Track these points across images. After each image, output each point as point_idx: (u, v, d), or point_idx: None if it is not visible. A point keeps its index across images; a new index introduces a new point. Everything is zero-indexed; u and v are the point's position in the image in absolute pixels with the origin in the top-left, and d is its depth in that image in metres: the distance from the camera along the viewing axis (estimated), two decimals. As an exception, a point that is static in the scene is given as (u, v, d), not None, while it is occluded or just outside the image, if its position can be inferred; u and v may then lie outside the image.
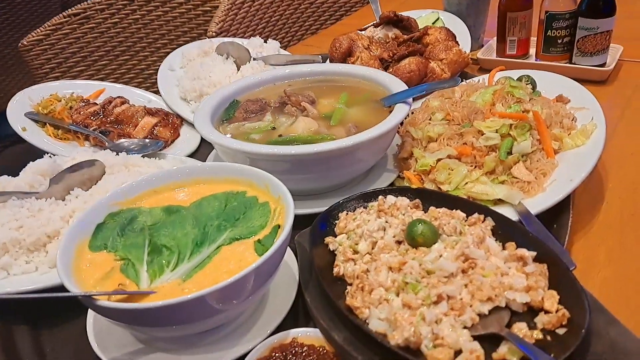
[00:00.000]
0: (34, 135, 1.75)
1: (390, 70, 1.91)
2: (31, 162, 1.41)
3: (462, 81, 1.42)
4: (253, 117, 1.57)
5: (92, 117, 1.85)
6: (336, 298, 1.01)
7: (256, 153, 1.30)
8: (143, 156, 1.59)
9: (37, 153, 1.68)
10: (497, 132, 1.37)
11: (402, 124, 1.55)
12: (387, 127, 1.34)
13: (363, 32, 2.22)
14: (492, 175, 1.33)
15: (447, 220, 1.10)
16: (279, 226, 1.09)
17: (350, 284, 1.05)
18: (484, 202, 1.29)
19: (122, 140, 1.75)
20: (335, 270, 1.08)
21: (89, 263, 1.05)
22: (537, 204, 1.23)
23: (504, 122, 1.38)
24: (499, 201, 1.29)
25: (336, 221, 1.24)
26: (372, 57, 2.01)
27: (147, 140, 1.74)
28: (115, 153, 1.54)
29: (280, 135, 1.45)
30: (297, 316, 1.13)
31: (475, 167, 1.35)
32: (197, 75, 2.00)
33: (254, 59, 2.08)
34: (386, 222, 1.13)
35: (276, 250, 0.98)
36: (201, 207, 1.18)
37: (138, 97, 2.07)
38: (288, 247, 1.23)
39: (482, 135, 1.39)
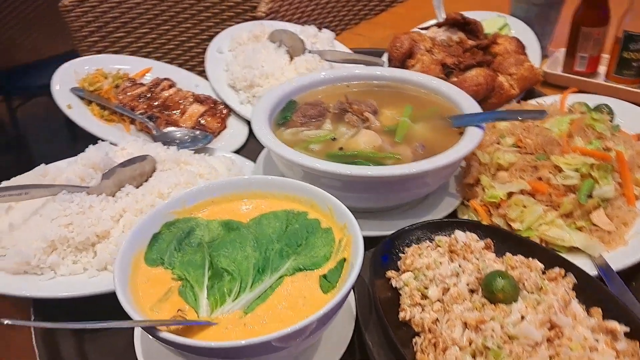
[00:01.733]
0: (80, 114, 1.68)
1: (455, 79, 1.80)
2: (82, 153, 1.34)
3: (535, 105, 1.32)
4: (311, 123, 1.48)
5: (138, 99, 1.78)
6: (402, 347, 0.95)
7: (320, 170, 1.22)
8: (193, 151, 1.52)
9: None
10: (577, 171, 1.28)
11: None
12: (460, 154, 1.25)
13: (425, 31, 2.11)
14: (569, 219, 1.24)
15: (526, 274, 1.02)
16: (344, 260, 1.02)
17: (418, 333, 0.98)
18: (558, 247, 1.21)
19: (170, 129, 1.67)
20: (402, 315, 1.01)
21: (147, 280, 0.99)
22: (618, 258, 1.15)
23: (585, 160, 1.29)
24: (574, 249, 1.20)
25: (400, 253, 1.17)
26: (434, 62, 1.90)
27: (196, 132, 1.67)
28: (165, 146, 1.47)
29: (341, 149, 1.37)
30: (353, 354, 1.07)
31: (550, 207, 1.26)
32: (249, 63, 1.91)
33: (309, 51, 1.98)
34: (459, 266, 1.06)
35: (346, 293, 0.91)
36: (261, 225, 1.11)
37: (185, 79, 1.98)
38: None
39: (560, 172, 1.29)
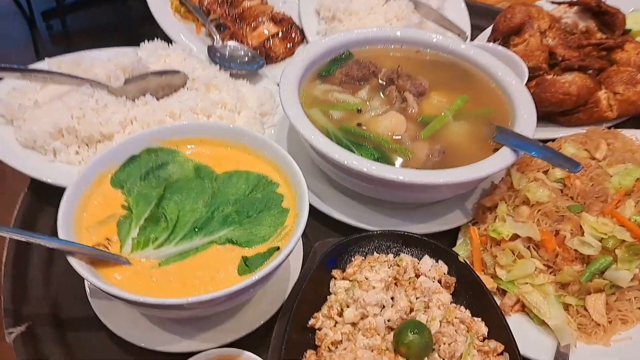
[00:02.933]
0: (159, 3, 1.72)
1: (549, 77, 1.54)
2: (117, 51, 1.39)
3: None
4: (350, 84, 1.38)
5: (219, 2, 1.77)
6: (291, 353, 0.93)
7: (308, 142, 1.15)
8: (232, 75, 1.51)
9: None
10: (600, 241, 1.07)
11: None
12: (470, 177, 1.11)
13: (552, 6, 1.78)
14: (561, 289, 1.07)
15: (452, 336, 0.92)
16: (277, 248, 0.99)
17: (316, 346, 0.96)
18: (532, 315, 1.07)
19: (230, 43, 1.66)
20: (312, 321, 0.99)
21: (102, 198, 1.05)
22: (586, 357, 0.99)
23: (618, 232, 1.07)
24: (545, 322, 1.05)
25: (355, 255, 1.11)
26: (542, 47, 1.62)
27: (249, 53, 1.63)
28: (209, 63, 1.47)
29: (359, 124, 1.27)
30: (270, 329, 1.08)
31: (549, 269, 1.10)
32: (342, -8, 1.78)
33: (408, -4, 1.78)
34: (392, 298, 0.98)
35: (256, 281, 0.90)
36: (229, 182, 1.10)
37: (277, -9, 1.91)
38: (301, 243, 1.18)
39: (582, 234, 1.09)
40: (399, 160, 1.20)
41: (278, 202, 1.08)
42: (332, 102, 1.33)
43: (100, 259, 0.94)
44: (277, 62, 1.75)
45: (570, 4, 1.73)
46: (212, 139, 1.17)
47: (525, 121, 1.24)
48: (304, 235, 1.29)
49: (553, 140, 1.44)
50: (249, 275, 0.93)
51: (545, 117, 1.56)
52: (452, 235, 1.28)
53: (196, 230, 1.02)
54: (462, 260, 1.09)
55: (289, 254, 0.94)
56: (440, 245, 1.12)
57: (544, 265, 1.10)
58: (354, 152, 1.18)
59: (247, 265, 0.97)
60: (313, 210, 1.30)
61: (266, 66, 1.71)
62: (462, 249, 1.21)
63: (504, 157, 1.15)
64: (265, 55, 1.71)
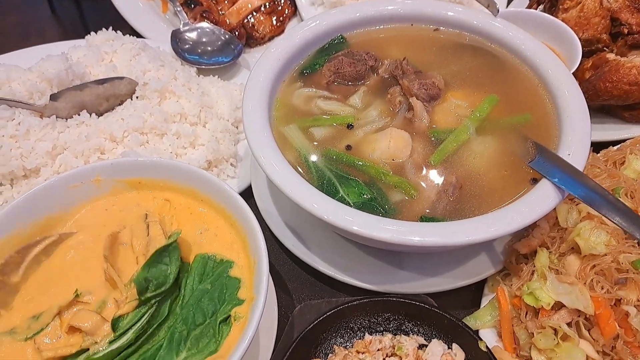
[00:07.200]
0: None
1: (610, 56, 1.16)
2: (43, 59, 1.08)
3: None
4: (340, 85, 1.06)
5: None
6: None
7: (275, 184, 0.86)
8: (199, 70, 1.22)
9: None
10: (683, 324, 0.76)
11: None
12: (487, 235, 0.79)
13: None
14: (624, 391, 0.78)
15: None
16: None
17: None
18: None
19: (200, 24, 1.33)
20: None
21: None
22: None
23: None
24: None
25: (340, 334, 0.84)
26: (601, 12, 1.24)
27: (224, 36, 1.30)
28: (160, 63, 1.16)
29: (348, 147, 0.95)
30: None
31: (607, 357, 0.79)
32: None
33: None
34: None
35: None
36: (198, 273, 0.81)
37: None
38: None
39: (655, 311, 0.78)
40: (399, 200, 0.89)
41: (233, 304, 0.78)
42: (315, 113, 1.02)
43: None
44: (263, 43, 1.43)
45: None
46: (152, 180, 0.90)
47: (576, 141, 0.90)
48: (285, 291, 1.03)
49: (613, 143, 1.10)
50: None
51: (603, 108, 1.20)
52: (476, 287, 0.99)
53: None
54: (484, 349, 0.80)
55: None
56: (456, 321, 0.84)
57: (598, 353, 0.80)
58: (339, 192, 0.88)
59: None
60: (295, 259, 1.04)
61: (248, 50, 1.40)
62: (488, 314, 0.92)
63: (544, 198, 0.83)
64: (247, 36, 1.39)
